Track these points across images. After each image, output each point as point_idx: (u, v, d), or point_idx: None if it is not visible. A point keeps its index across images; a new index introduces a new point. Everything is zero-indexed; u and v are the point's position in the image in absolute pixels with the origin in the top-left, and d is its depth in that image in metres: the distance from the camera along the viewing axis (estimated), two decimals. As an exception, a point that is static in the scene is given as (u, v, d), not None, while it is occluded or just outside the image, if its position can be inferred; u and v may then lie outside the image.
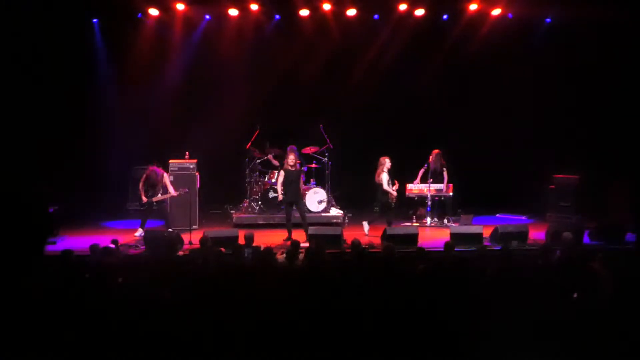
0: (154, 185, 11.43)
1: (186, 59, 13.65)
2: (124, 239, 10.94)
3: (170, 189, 11.45)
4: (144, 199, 11.41)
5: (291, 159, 11.07)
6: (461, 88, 13.72)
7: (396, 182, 11.61)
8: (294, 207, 11.13)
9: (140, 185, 11.47)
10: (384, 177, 11.51)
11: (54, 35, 12.13)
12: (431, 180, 12.44)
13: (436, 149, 12.54)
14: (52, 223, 9.36)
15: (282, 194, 11.09)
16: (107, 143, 13.20)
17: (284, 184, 11.06)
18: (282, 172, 11.17)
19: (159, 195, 11.46)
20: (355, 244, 8.42)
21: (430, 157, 12.51)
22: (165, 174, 11.56)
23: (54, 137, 12.29)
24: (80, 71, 12.85)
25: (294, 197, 11.08)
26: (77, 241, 10.30)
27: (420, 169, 12.68)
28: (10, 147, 11.51)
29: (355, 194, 13.84)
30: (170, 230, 11.20)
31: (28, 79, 11.89)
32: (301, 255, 8.29)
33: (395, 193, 11.55)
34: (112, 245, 8.78)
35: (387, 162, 11.60)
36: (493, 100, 13.50)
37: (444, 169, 12.53)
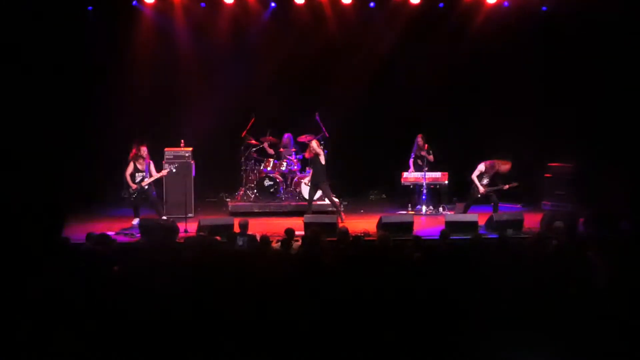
0: (143, 170, 11.37)
1: (182, 47, 13.53)
2: (119, 227, 10.95)
3: (154, 172, 11.43)
4: (134, 185, 11.31)
5: (313, 146, 11.80)
6: (458, 76, 13.65)
7: (514, 183, 11.63)
8: (318, 192, 11.84)
9: (127, 173, 11.36)
10: (479, 167, 11.66)
11: (46, 23, 12.00)
12: (426, 168, 12.47)
13: (419, 133, 12.67)
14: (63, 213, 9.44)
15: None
16: (102, 132, 13.11)
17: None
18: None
19: (147, 179, 11.38)
20: (343, 232, 8.42)
21: (416, 143, 12.62)
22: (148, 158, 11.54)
23: (48, 127, 12.19)
24: (74, 59, 12.73)
25: (314, 179, 11.77)
26: (71, 230, 10.22)
27: (409, 159, 12.77)
28: (7, 139, 11.40)
29: (351, 182, 13.84)
30: (164, 218, 11.18)
31: (19, 69, 11.76)
32: (296, 244, 8.35)
33: (481, 188, 11.52)
34: (110, 233, 8.78)
35: (495, 165, 11.60)
36: (489, 88, 13.47)
37: (430, 151, 12.60)
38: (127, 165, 11.49)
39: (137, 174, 11.39)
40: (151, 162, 11.59)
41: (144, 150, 11.42)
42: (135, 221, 11.15)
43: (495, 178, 11.74)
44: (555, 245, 7.47)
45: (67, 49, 12.44)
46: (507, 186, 11.53)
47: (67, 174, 11.90)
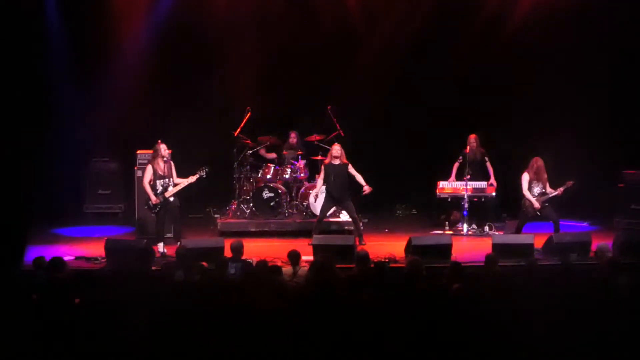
0: (165, 176, 11.04)
1: (161, 28, 13.57)
2: (82, 250, 11.00)
3: (176, 176, 11.15)
4: (154, 199, 10.94)
5: (335, 149, 11.54)
6: (501, 65, 13.61)
7: (569, 183, 11.35)
8: (333, 208, 11.86)
9: (145, 182, 10.98)
10: (524, 178, 11.51)
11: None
12: (469, 175, 12.36)
13: (472, 133, 12.57)
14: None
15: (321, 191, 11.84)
16: (60, 132, 13.19)
17: (324, 180, 11.65)
18: (322, 168, 11.71)
19: (170, 188, 11.06)
20: (362, 257, 8.41)
21: (468, 145, 12.50)
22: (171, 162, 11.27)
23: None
24: (27, 43, 12.81)
25: (338, 193, 11.51)
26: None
27: (454, 163, 12.66)
28: None
29: (373, 194, 13.80)
30: (143, 240, 11.02)
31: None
32: (302, 270, 8.35)
33: (535, 203, 11.39)
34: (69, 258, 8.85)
35: (533, 164, 11.52)
36: (542, 80, 13.39)
37: (486, 157, 12.51)
38: (144, 171, 11.18)
39: (157, 182, 11.01)
40: (172, 164, 11.20)
41: (164, 149, 11.07)
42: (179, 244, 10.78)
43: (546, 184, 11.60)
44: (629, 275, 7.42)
45: (18, 30, 12.51)
46: (561, 189, 11.41)
47: (22, 185, 11.94)
